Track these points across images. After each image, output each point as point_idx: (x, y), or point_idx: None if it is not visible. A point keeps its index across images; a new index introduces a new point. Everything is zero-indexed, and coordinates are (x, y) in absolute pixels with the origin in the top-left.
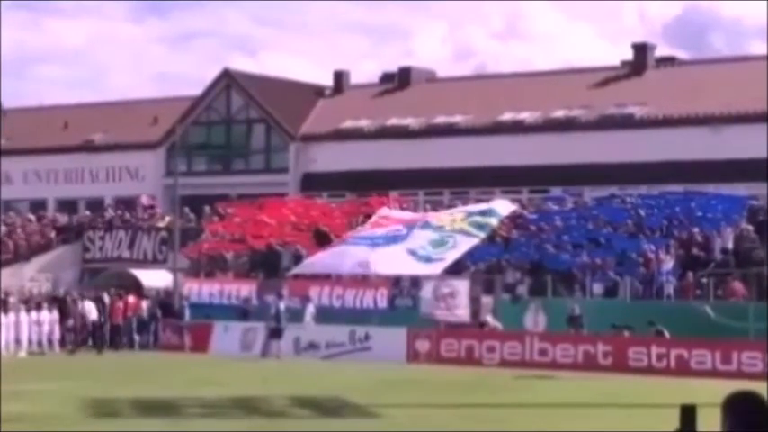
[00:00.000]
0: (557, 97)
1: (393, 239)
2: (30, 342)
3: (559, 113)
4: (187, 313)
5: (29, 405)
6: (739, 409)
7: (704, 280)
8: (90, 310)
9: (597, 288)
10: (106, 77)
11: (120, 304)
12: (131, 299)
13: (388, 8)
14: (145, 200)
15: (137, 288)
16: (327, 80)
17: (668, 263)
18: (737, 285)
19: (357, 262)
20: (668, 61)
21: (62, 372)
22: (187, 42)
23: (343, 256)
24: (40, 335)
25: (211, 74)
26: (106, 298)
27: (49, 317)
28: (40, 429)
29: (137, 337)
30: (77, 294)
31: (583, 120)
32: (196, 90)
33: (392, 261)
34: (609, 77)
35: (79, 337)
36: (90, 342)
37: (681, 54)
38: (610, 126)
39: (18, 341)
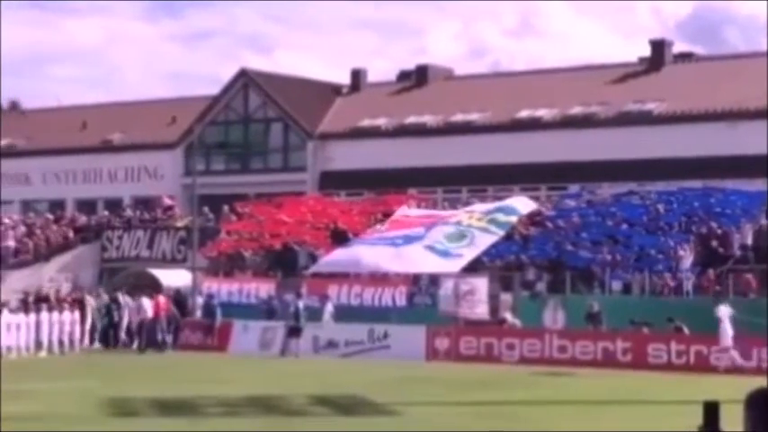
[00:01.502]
0: (574, 94)
1: (412, 239)
2: (50, 342)
3: (577, 110)
4: (218, 312)
5: (48, 405)
6: (762, 406)
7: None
8: (147, 307)
9: (616, 285)
10: (122, 77)
11: (147, 304)
12: (162, 299)
13: (400, 6)
14: (166, 200)
15: (155, 287)
16: (343, 78)
17: (687, 259)
18: (750, 279)
19: (375, 261)
20: (686, 57)
21: (81, 371)
22: (201, 41)
23: (362, 255)
24: (60, 335)
25: (226, 73)
26: (121, 298)
27: (69, 317)
28: (58, 429)
29: (168, 337)
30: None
31: (601, 116)
32: (212, 89)
33: (410, 259)
34: (627, 74)
35: (143, 336)
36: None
37: (696, 50)
38: (628, 122)
39: (38, 341)
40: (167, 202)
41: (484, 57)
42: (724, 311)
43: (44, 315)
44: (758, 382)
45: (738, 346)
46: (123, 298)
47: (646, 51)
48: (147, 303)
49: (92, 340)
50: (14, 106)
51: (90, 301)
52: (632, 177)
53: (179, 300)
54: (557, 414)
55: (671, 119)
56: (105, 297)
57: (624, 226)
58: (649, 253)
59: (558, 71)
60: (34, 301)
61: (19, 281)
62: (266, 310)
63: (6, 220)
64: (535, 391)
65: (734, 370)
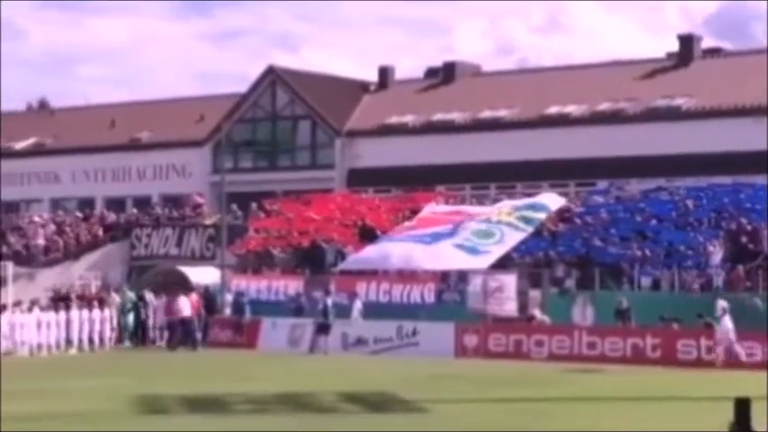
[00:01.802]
0: (603, 90)
1: (440, 236)
2: (80, 340)
3: (605, 106)
4: (247, 310)
5: (78, 402)
6: None
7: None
8: (185, 306)
9: (645, 281)
10: (150, 76)
11: (176, 302)
12: (194, 297)
13: (428, 3)
14: (197, 198)
15: (184, 285)
16: (370, 75)
17: (716, 255)
18: None
19: (404, 258)
20: (714, 52)
21: (111, 369)
22: (229, 40)
23: (390, 253)
24: (90, 332)
25: (253, 71)
26: (148, 296)
27: (99, 315)
28: (89, 427)
29: (198, 335)
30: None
31: (629, 112)
32: (239, 87)
33: (439, 256)
34: (655, 69)
35: (177, 333)
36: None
37: (724, 45)
38: (656, 118)
39: (69, 339)
40: (198, 200)
41: (511, 54)
42: (723, 304)
43: (74, 313)
44: None
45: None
46: (150, 296)
47: (674, 47)
48: (184, 301)
49: (121, 338)
50: (43, 105)
51: (114, 299)
52: (661, 173)
53: (207, 297)
54: (586, 411)
55: (700, 114)
56: (130, 294)
57: (653, 222)
58: (678, 249)
59: (586, 67)
60: (55, 300)
61: (49, 279)
62: (294, 308)
63: (36, 219)
64: (564, 388)
65: (733, 364)
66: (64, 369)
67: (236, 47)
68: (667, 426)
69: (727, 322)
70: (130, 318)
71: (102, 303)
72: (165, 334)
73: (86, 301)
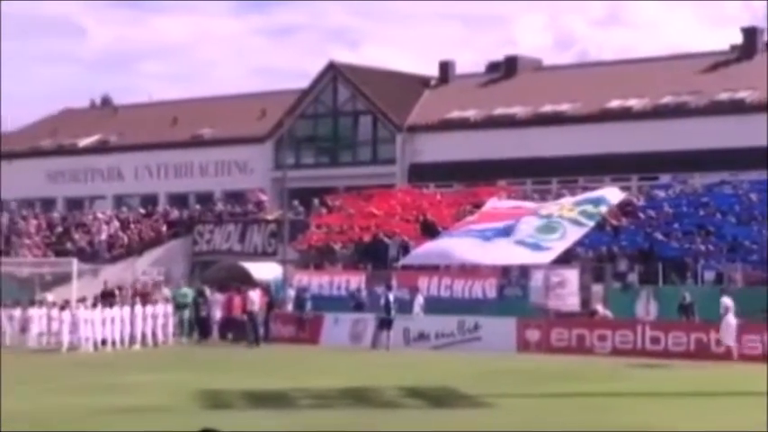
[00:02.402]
0: (665, 83)
1: (502, 232)
2: (143, 335)
3: (668, 99)
4: (309, 305)
5: (142, 397)
6: None
7: None
8: (254, 301)
9: (709, 275)
10: (211, 72)
11: (239, 298)
12: (258, 292)
13: None
14: (260, 195)
15: (247, 281)
16: (431, 70)
17: None
18: None
19: (466, 253)
20: None
21: (174, 364)
22: (289, 36)
23: (452, 248)
24: (154, 328)
25: (314, 66)
26: (208, 292)
27: (163, 310)
28: (152, 421)
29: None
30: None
31: (692, 105)
32: (299, 82)
33: (501, 252)
34: (718, 62)
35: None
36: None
37: None
38: (720, 111)
39: (133, 335)
40: (261, 197)
41: (571, 47)
42: (727, 302)
43: (138, 309)
44: None
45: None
46: (209, 292)
47: (737, 39)
48: (254, 295)
49: (181, 333)
50: (106, 102)
51: (165, 294)
52: (724, 167)
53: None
54: (649, 406)
55: (763, 107)
56: (183, 290)
57: (716, 216)
58: (742, 243)
59: (648, 60)
60: (101, 298)
61: (113, 275)
62: (354, 303)
63: (100, 215)
64: (628, 383)
65: (732, 357)
66: (128, 364)
67: (295, 42)
68: (731, 421)
69: (731, 319)
70: (185, 313)
71: (144, 298)
72: (226, 329)
73: (137, 296)
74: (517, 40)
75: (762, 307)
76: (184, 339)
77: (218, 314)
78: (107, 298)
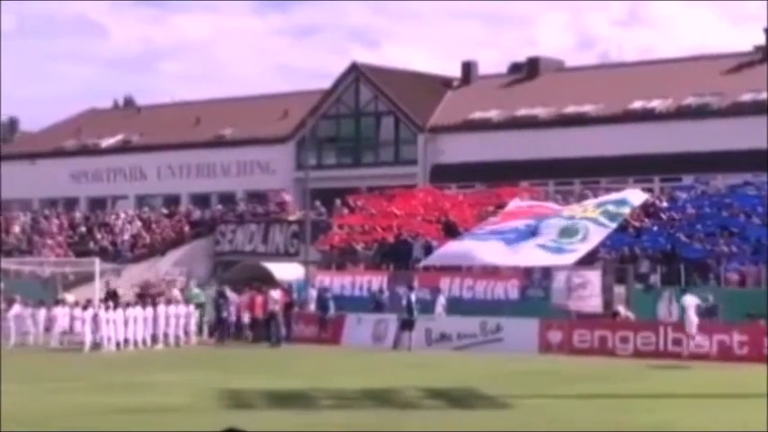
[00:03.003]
0: (688, 84)
1: (524, 235)
2: (166, 335)
3: (691, 100)
4: (332, 306)
5: (163, 396)
6: None
7: None
8: (275, 301)
9: (732, 277)
10: (233, 73)
11: (260, 298)
12: (280, 292)
13: None
14: (284, 195)
15: (269, 281)
16: (453, 71)
17: None
18: None
19: (488, 255)
20: None
21: (196, 364)
22: (311, 36)
23: (474, 249)
24: (176, 328)
25: (336, 67)
26: (228, 292)
27: (185, 310)
28: (174, 420)
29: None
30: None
31: (715, 106)
32: (322, 83)
33: (523, 254)
34: (741, 63)
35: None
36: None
37: None
38: (743, 112)
39: (155, 334)
40: (285, 197)
41: (593, 48)
42: (689, 301)
43: (161, 308)
44: None
45: None
46: (229, 292)
47: (760, 40)
48: (275, 295)
49: (201, 332)
50: (129, 103)
51: (176, 296)
52: (748, 168)
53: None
54: (671, 408)
55: None
56: (195, 291)
57: (740, 217)
58: (765, 244)
59: (670, 61)
60: (105, 298)
61: (135, 275)
62: (374, 304)
63: (122, 215)
64: (650, 385)
65: (699, 357)
66: (150, 364)
67: (317, 43)
68: (754, 423)
69: (693, 316)
70: (203, 312)
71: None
72: (248, 330)
73: (148, 297)
74: (539, 40)
75: None
76: (194, 339)
77: (243, 315)
78: (111, 299)
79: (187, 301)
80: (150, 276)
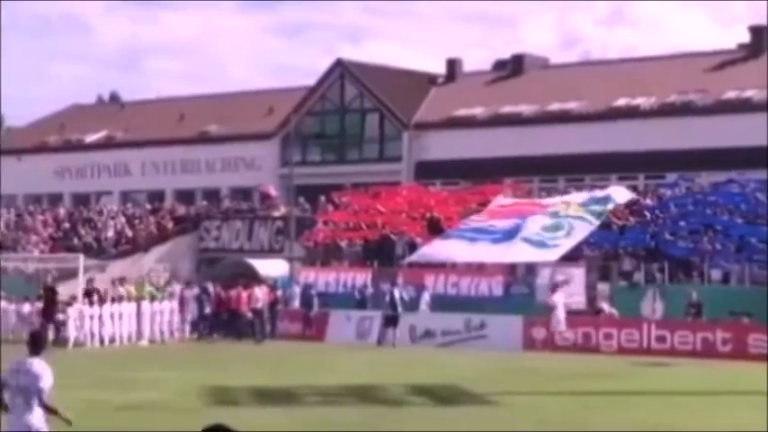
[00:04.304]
0: (672, 82)
1: (509, 231)
2: (151, 332)
3: (675, 98)
4: (315, 303)
5: (148, 393)
6: None
7: None
8: (259, 298)
9: (715, 274)
10: (218, 69)
11: (245, 294)
12: (265, 289)
13: None
14: (271, 190)
15: (253, 277)
16: (438, 68)
17: None
18: None
19: (472, 252)
20: None
21: (181, 361)
22: (297, 33)
23: (459, 247)
24: (161, 324)
25: (321, 64)
26: (211, 288)
27: (169, 306)
28: (159, 417)
29: (267, 328)
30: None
31: (699, 104)
32: (308, 80)
33: (507, 250)
34: (725, 61)
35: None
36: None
37: None
38: (727, 110)
39: (140, 331)
40: (271, 191)
41: (575, 46)
42: (557, 298)
43: (145, 305)
44: None
45: None
46: (212, 288)
47: (744, 38)
48: (259, 293)
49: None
50: (114, 99)
51: (130, 292)
52: (731, 166)
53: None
54: (655, 405)
55: None
56: (149, 288)
57: (723, 215)
58: (749, 242)
59: (655, 59)
60: (83, 295)
61: (119, 271)
62: (358, 300)
63: (106, 211)
64: (634, 382)
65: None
66: (134, 361)
67: (303, 40)
68: (737, 420)
69: (561, 313)
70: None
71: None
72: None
73: (95, 295)
74: (523, 38)
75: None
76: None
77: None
78: (89, 296)
79: (138, 299)
80: (134, 272)
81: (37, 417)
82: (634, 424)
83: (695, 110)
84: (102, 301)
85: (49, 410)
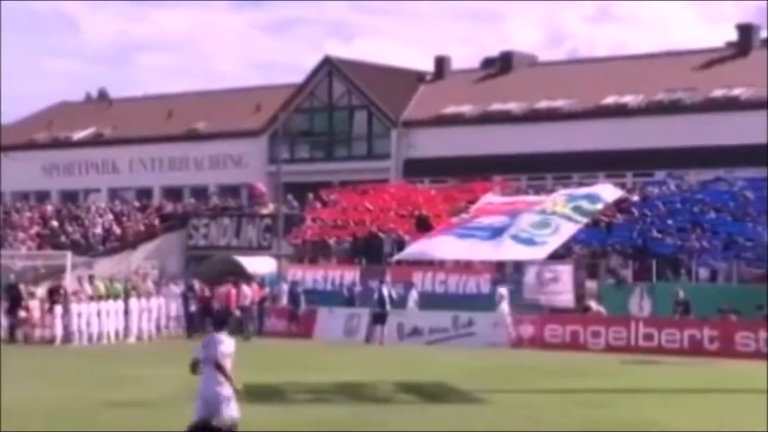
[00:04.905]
0: (660, 80)
1: (496, 227)
2: (138, 329)
3: (663, 96)
4: (302, 300)
5: (136, 390)
6: None
7: None
8: (247, 295)
9: (703, 272)
10: (207, 66)
11: (234, 291)
12: (255, 286)
13: None
14: (261, 187)
15: (241, 275)
16: (426, 66)
17: None
18: None
19: (460, 249)
20: None
21: (168, 357)
22: (286, 30)
23: (445, 244)
24: (149, 321)
25: (310, 61)
26: (197, 285)
27: (157, 303)
28: (147, 414)
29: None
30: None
31: (687, 102)
32: (296, 77)
33: (495, 248)
34: (713, 59)
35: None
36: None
37: None
38: (715, 108)
39: (127, 328)
40: (261, 188)
41: (562, 43)
42: (502, 292)
43: (133, 302)
44: None
45: None
46: (198, 285)
47: (732, 36)
48: (247, 290)
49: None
50: (102, 95)
51: (98, 288)
52: (719, 164)
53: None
54: (642, 402)
55: (758, 104)
56: (116, 285)
57: (711, 213)
58: (737, 240)
59: (643, 57)
60: (47, 293)
61: (108, 268)
62: (346, 298)
63: (94, 208)
64: (622, 380)
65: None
66: (122, 358)
67: (292, 37)
68: (724, 418)
69: (505, 307)
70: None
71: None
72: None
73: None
74: (509, 36)
75: (757, 303)
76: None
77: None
78: (53, 295)
79: (102, 297)
80: (121, 269)
81: None
82: (621, 421)
83: (683, 108)
84: (65, 299)
85: None
